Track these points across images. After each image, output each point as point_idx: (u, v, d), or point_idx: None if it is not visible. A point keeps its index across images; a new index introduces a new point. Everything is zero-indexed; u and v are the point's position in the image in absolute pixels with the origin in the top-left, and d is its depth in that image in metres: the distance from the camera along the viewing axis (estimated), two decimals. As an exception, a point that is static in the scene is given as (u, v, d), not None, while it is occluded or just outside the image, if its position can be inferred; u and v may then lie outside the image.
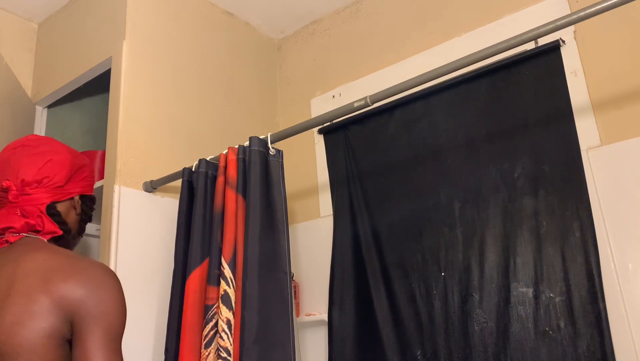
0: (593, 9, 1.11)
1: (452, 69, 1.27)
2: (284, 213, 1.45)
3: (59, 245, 1.18)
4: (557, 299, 1.51)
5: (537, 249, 1.57)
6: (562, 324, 1.49)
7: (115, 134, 1.79)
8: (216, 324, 1.38)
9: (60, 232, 1.19)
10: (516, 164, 1.66)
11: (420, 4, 2.10)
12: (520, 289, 1.57)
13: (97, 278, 1.05)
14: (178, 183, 1.70)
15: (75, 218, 1.26)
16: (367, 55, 2.19)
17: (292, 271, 1.57)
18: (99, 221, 1.75)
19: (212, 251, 1.45)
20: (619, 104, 1.58)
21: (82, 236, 1.33)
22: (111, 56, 1.91)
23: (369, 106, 1.38)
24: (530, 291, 1.55)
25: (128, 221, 1.70)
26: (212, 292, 1.40)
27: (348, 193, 1.99)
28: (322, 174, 2.14)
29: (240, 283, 1.35)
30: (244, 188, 1.45)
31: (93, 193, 1.33)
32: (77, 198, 1.25)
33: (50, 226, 1.17)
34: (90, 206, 1.31)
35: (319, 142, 2.18)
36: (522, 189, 1.63)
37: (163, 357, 1.53)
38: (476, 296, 1.63)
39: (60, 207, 1.22)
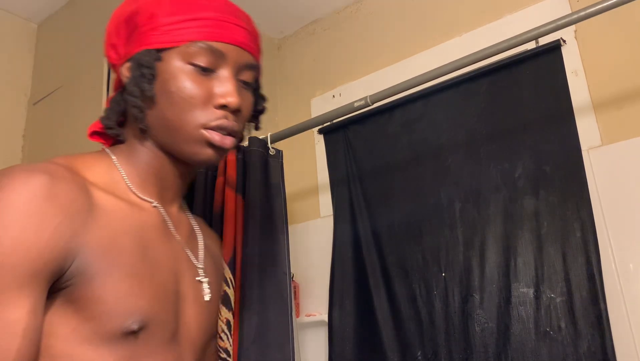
0: (593, 8, 1.11)
1: (452, 69, 1.27)
2: (284, 213, 1.45)
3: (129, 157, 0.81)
4: (558, 299, 1.50)
5: (538, 249, 1.56)
6: (562, 324, 1.48)
7: (114, 134, 1.78)
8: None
9: (105, 140, 0.85)
10: (517, 164, 1.65)
11: (420, 4, 2.10)
12: (521, 290, 1.57)
13: None
14: (178, 183, 1.69)
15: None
16: (367, 56, 2.19)
17: (292, 271, 1.57)
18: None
19: (211, 251, 1.44)
20: (620, 104, 1.57)
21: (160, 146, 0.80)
22: (111, 56, 1.91)
23: (369, 106, 1.38)
24: (531, 291, 1.55)
25: (128, 221, 1.70)
26: (211, 293, 1.40)
27: (348, 193, 1.99)
28: (322, 174, 2.13)
29: (239, 284, 1.35)
30: (243, 188, 1.45)
31: (165, 46, 0.76)
32: (122, 69, 0.80)
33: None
34: (144, 69, 0.76)
35: (319, 142, 2.18)
36: (522, 190, 1.63)
37: (163, 358, 1.52)
38: (477, 297, 1.62)
39: (119, 96, 0.83)
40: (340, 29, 2.32)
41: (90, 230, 0.69)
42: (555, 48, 1.67)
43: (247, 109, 0.82)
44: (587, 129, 1.59)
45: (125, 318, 0.69)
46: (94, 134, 0.86)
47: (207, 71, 0.77)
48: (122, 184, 0.79)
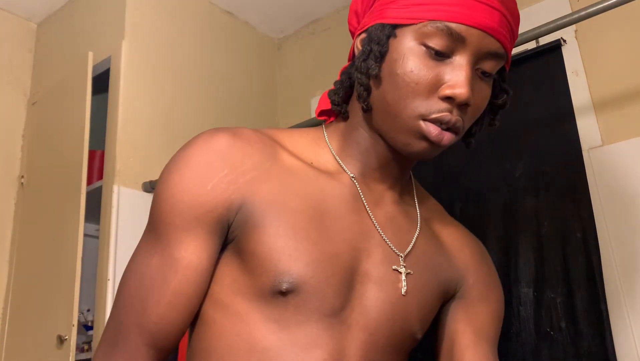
0: (594, 8, 1.11)
1: (452, 68, 1.27)
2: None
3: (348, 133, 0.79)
4: (558, 299, 1.50)
5: (538, 249, 1.56)
6: (563, 325, 1.48)
7: (114, 134, 1.78)
8: (215, 325, 1.37)
9: (328, 116, 0.83)
10: (517, 164, 1.65)
11: (420, 3, 2.09)
12: (522, 290, 1.56)
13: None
14: (177, 183, 1.69)
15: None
16: (367, 55, 2.18)
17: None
18: (97, 222, 1.75)
19: (211, 251, 1.44)
20: (620, 104, 1.57)
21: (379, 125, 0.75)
22: (110, 56, 1.91)
23: (369, 105, 1.37)
24: (531, 291, 1.55)
25: (127, 221, 1.70)
26: (211, 293, 1.40)
27: (348, 193, 1.99)
28: (322, 174, 2.13)
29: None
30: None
31: (410, 22, 0.69)
32: (357, 40, 0.75)
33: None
34: (374, 45, 0.71)
35: (319, 142, 2.17)
36: (522, 190, 1.62)
37: (162, 358, 1.52)
38: (477, 297, 1.62)
39: (350, 68, 0.79)
40: (340, 29, 2.32)
41: (261, 187, 0.70)
42: (555, 48, 1.67)
43: (479, 104, 0.73)
44: (587, 129, 1.59)
45: (275, 276, 0.67)
46: (322, 113, 0.83)
47: (440, 55, 0.68)
48: (323, 156, 0.78)
